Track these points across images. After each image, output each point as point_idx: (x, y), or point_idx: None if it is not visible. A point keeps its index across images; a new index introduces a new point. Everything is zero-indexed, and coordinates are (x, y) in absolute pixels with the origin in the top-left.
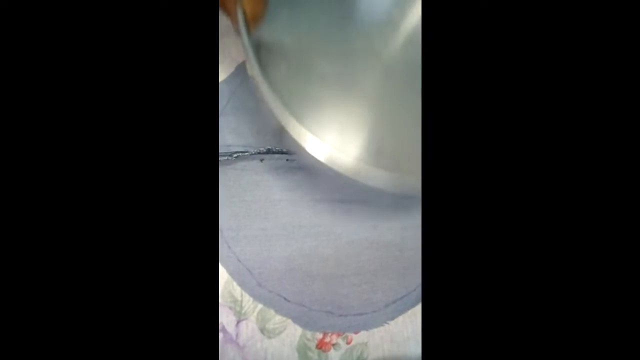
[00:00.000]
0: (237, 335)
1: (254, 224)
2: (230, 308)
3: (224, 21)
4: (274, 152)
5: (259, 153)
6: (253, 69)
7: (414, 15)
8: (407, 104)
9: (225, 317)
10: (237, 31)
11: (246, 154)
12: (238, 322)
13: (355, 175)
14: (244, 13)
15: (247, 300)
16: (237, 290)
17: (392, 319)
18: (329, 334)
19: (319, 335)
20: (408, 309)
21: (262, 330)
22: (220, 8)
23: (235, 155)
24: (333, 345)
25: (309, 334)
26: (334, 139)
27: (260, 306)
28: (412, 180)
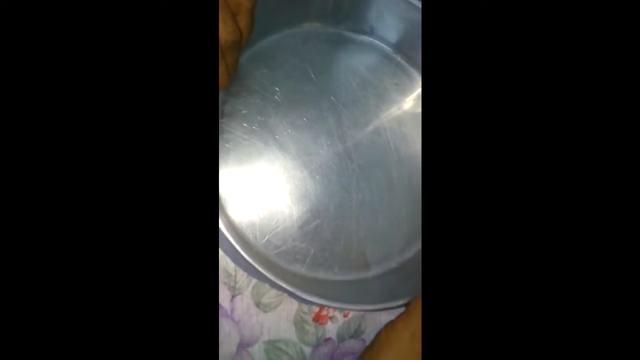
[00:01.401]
0: (232, 310)
1: None
2: (225, 283)
3: None
4: None
5: None
6: None
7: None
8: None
9: (220, 293)
10: None
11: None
12: (233, 297)
13: None
14: None
15: (241, 275)
16: (231, 266)
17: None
18: (326, 307)
19: (316, 309)
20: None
21: (258, 304)
22: None
23: None
24: (330, 318)
25: (305, 307)
26: None
27: (254, 281)
28: None
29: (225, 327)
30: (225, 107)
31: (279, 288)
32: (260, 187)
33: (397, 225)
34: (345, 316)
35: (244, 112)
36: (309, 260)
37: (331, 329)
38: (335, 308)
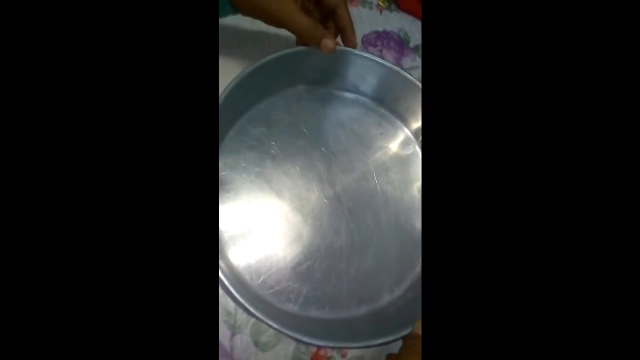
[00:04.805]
0: (232, 348)
1: None
2: (225, 322)
3: None
4: None
5: None
6: None
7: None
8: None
9: (220, 331)
10: None
11: None
12: (233, 335)
13: None
14: None
15: (241, 314)
16: (231, 305)
17: None
18: (324, 347)
19: (313, 349)
20: None
21: (256, 343)
22: None
23: None
24: (328, 358)
25: (303, 347)
26: None
27: (253, 319)
28: None
29: None
30: (227, 161)
31: (272, 327)
32: (257, 231)
33: (385, 264)
34: (343, 356)
35: (243, 165)
36: (302, 300)
37: None
38: (329, 347)
